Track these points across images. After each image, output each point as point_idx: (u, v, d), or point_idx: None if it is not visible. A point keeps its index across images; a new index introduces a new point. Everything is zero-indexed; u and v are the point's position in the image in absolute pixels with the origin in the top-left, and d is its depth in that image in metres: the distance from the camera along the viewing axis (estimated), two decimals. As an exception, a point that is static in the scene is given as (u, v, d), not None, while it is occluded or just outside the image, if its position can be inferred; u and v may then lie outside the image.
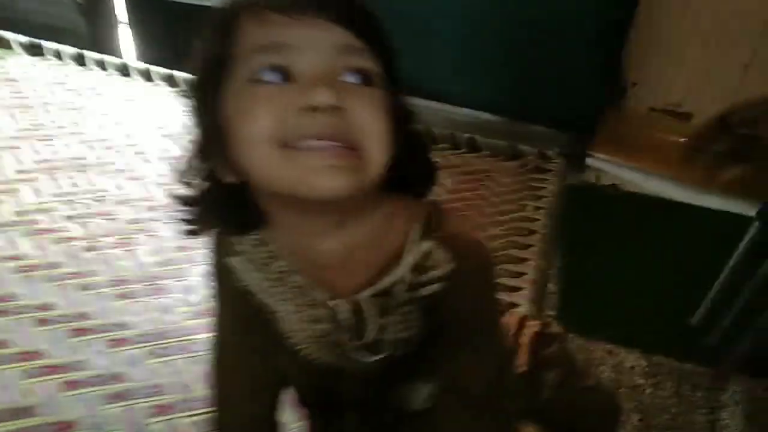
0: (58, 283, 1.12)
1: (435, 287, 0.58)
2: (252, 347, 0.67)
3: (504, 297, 1.16)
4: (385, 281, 0.58)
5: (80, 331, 1.04)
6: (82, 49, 1.86)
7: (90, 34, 2.48)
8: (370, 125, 0.51)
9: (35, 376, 0.96)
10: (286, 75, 0.50)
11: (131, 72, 1.68)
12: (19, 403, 0.92)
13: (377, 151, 0.51)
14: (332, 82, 0.49)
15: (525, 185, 1.42)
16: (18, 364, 0.97)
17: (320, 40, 0.50)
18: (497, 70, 2.02)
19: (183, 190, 0.58)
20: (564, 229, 1.47)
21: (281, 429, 0.71)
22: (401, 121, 0.56)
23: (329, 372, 0.63)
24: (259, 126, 0.49)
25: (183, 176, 0.57)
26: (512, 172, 1.47)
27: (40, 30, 2.47)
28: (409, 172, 0.59)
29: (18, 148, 1.43)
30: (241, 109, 0.51)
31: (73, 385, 0.95)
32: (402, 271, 0.57)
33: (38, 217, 1.27)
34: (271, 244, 0.59)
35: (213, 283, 0.66)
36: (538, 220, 1.38)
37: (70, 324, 1.05)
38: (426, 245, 0.58)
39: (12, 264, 1.16)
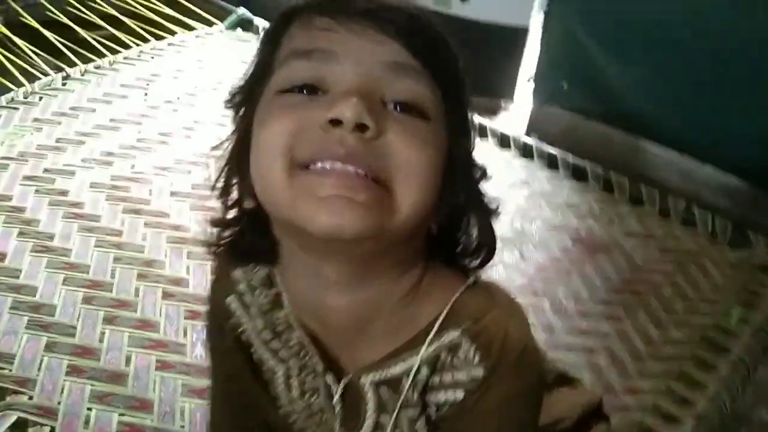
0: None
1: (451, 395, 0.48)
2: (241, 400, 0.59)
3: (651, 425, 0.89)
4: (394, 369, 0.48)
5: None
6: None
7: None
8: (407, 158, 0.41)
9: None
10: (317, 85, 0.43)
11: None
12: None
13: (411, 192, 0.41)
14: (368, 97, 0.41)
15: (740, 285, 1.09)
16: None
17: (365, 51, 0.43)
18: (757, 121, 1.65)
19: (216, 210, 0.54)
20: None
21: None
22: (459, 169, 0.46)
23: None
24: (272, 139, 0.43)
25: (217, 195, 0.53)
26: (729, 264, 1.14)
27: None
28: (458, 238, 0.49)
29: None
30: (261, 119, 0.45)
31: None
32: (415, 362, 0.47)
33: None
34: (277, 287, 0.52)
35: (207, 323, 0.59)
36: (740, 336, 1.04)
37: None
38: (452, 336, 0.47)
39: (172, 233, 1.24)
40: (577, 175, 1.43)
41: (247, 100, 0.49)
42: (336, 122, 0.40)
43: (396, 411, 0.48)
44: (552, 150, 1.46)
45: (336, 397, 0.50)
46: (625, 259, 1.16)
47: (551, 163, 1.45)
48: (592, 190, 1.30)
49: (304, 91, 0.43)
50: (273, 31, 0.48)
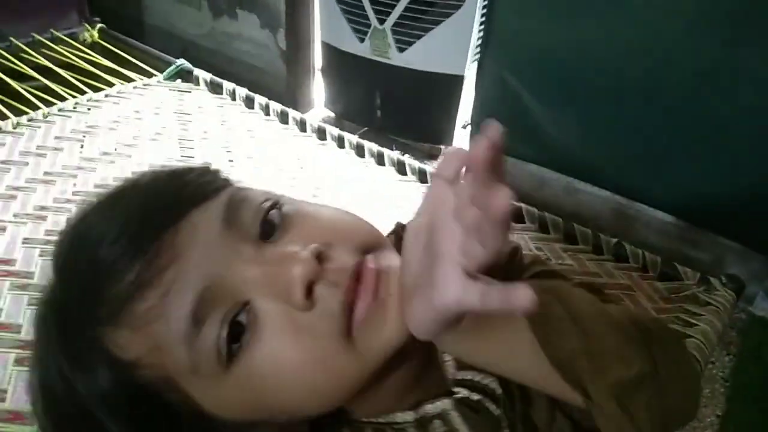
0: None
1: None
2: None
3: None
4: None
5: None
6: (279, 93, 1.97)
7: (288, 80, 2.66)
8: None
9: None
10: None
11: (307, 126, 1.72)
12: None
13: None
14: None
15: (673, 316, 1.14)
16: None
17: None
18: (686, 160, 1.76)
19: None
20: (739, 379, 1.17)
21: None
22: None
23: None
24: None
25: None
26: (659, 297, 1.19)
27: (247, 71, 2.71)
28: None
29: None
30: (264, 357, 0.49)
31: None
32: None
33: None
34: None
35: None
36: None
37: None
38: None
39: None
40: (514, 215, 1.48)
41: None
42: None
43: None
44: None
45: None
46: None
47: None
48: (528, 230, 1.35)
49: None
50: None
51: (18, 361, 1.01)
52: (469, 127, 2.30)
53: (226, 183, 0.53)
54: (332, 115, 2.58)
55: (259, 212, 0.47)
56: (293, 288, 0.42)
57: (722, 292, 1.16)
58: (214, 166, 0.54)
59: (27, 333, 1.08)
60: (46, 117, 1.72)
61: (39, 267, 1.23)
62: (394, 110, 2.42)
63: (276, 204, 0.49)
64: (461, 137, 2.35)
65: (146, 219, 0.44)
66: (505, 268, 0.65)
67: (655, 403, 0.45)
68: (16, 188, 1.45)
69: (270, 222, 0.47)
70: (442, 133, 2.39)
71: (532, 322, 0.44)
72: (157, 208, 0.45)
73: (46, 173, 1.52)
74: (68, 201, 1.43)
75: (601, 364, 0.44)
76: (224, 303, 0.43)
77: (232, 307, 0.43)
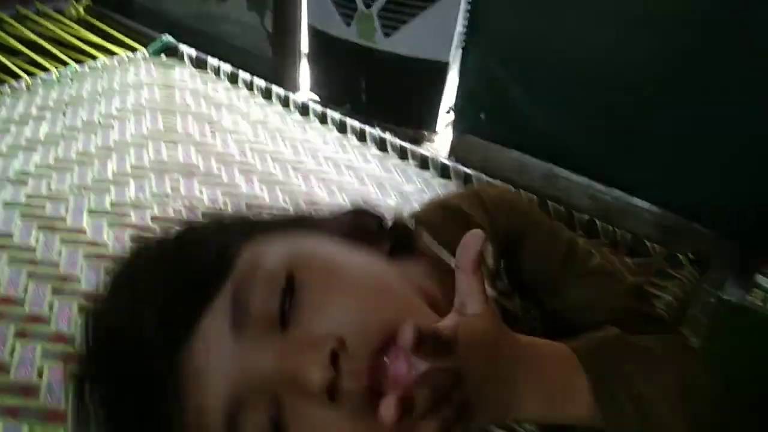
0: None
1: None
2: None
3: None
4: None
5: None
6: (265, 76, 1.98)
7: (274, 63, 2.67)
8: None
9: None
10: None
11: (290, 103, 1.73)
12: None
13: None
14: None
15: (642, 287, 1.17)
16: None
17: None
18: (664, 148, 1.79)
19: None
20: (705, 351, 1.20)
21: None
22: None
23: None
24: None
25: None
26: (627, 270, 1.22)
27: (233, 53, 2.71)
28: None
29: (144, 147, 1.54)
30: None
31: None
32: None
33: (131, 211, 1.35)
34: None
35: None
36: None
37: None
38: None
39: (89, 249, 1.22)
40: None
41: None
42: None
43: None
44: (469, 171, 1.54)
45: None
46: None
47: (467, 183, 1.52)
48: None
49: None
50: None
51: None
52: (452, 113, 2.33)
53: (233, 249, 0.48)
54: (317, 98, 2.59)
55: (273, 296, 0.44)
56: (317, 392, 0.40)
57: (688, 268, 1.19)
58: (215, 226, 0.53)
59: (6, 289, 1.09)
60: (29, 88, 1.73)
61: (18, 227, 1.24)
62: (378, 95, 2.44)
63: (291, 278, 0.44)
64: (445, 122, 2.37)
65: (162, 342, 0.44)
66: None
67: None
68: (-2, 154, 1.46)
69: (284, 306, 0.44)
70: (426, 118, 2.41)
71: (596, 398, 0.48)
72: (168, 327, 0.44)
73: (27, 140, 1.53)
74: (48, 167, 1.44)
75: None
76: (255, 408, 0.42)
77: (263, 409, 0.42)
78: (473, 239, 0.43)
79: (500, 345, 0.44)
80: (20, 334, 1.01)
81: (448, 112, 2.38)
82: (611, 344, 0.54)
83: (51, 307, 1.07)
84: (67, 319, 1.04)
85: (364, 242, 0.52)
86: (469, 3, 2.13)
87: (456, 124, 2.26)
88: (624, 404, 0.50)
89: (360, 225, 0.56)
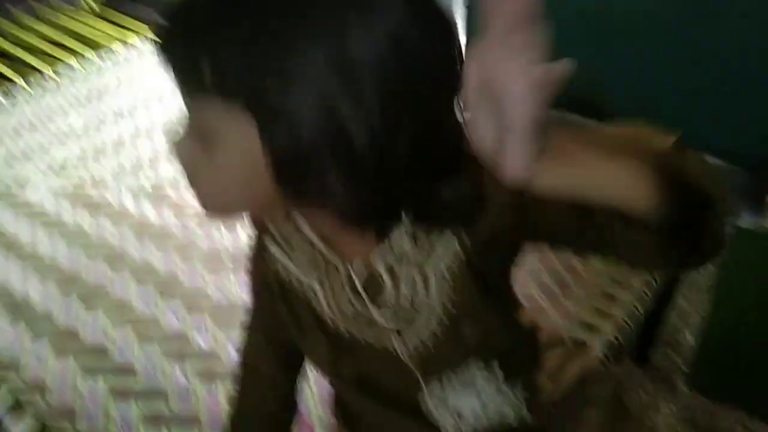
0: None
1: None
2: (277, 332, 0.69)
3: (586, 316, 1.03)
4: (394, 243, 0.55)
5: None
6: None
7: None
8: None
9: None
10: None
11: None
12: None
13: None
14: None
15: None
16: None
17: None
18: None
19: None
20: (722, 277, 1.26)
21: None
22: None
23: (370, 357, 0.63)
24: None
25: None
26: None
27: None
28: None
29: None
30: None
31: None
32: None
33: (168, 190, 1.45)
34: (298, 225, 0.60)
35: (250, 272, 0.68)
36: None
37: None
38: None
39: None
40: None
41: None
42: None
43: (403, 265, 0.56)
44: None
45: (360, 276, 0.58)
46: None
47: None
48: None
49: None
50: None
51: (61, 290, 1.14)
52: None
53: None
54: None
55: None
56: None
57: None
58: None
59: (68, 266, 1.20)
60: (54, 79, 1.82)
61: (68, 212, 1.36)
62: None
63: None
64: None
65: None
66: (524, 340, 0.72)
67: None
68: (33, 149, 1.57)
69: None
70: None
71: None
72: None
73: (55, 133, 1.62)
74: (80, 158, 1.54)
75: None
76: None
77: None
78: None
79: None
80: (84, 301, 1.12)
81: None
82: None
83: (111, 281, 1.18)
84: (123, 287, 1.16)
85: None
86: None
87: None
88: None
89: None
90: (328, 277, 0.60)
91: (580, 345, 0.82)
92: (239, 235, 1.31)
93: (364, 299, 0.59)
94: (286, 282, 0.63)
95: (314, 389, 0.96)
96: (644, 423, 0.75)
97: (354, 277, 0.58)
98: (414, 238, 0.55)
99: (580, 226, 0.50)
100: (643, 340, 1.51)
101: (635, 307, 1.13)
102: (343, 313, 0.61)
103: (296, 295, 0.63)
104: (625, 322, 1.11)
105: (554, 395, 0.73)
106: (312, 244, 0.59)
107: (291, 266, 0.61)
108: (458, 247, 0.55)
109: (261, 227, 0.64)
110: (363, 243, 0.57)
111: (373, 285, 0.59)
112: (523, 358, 0.73)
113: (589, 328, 1.08)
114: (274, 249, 0.62)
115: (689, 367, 1.40)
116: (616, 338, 1.08)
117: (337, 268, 0.59)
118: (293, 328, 0.65)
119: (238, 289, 1.16)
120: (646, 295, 1.16)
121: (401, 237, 0.55)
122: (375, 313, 0.60)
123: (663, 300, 1.46)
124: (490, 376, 0.66)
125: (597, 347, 1.02)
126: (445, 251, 0.56)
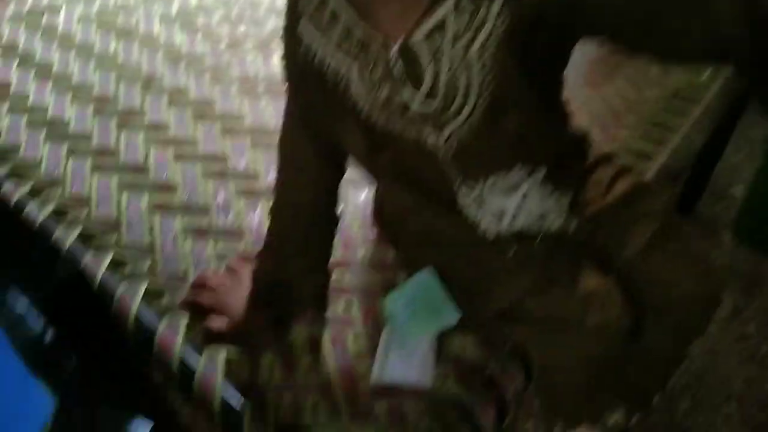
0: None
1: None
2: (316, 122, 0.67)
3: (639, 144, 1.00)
4: (438, 13, 0.52)
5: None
6: None
7: None
8: None
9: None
10: None
11: None
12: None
13: None
14: None
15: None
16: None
17: None
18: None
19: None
20: (754, 196, 1.20)
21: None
22: None
23: (404, 150, 0.61)
24: None
25: None
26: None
27: None
28: None
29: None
30: None
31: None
32: None
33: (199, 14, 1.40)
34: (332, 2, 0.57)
35: (284, 57, 0.65)
36: (710, 87, 1.14)
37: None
38: None
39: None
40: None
41: None
42: None
43: (448, 47, 0.53)
44: None
45: (393, 58, 0.55)
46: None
47: None
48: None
49: None
50: None
51: (97, 112, 1.12)
52: None
53: None
54: None
55: None
56: None
57: None
58: None
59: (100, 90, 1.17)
60: None
61: (98, 36, 1.30)
62: None
63: None
64: None
65: None
66: (572, 151, 0.70)
67: None
68: None
69: None
70: None
71: None
72: None
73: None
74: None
75: None
76: None
77: None
78: None
79: None
80: (119, 121, 1.11)
81: None
82: None
83: (143, 102, 1.16)
84: (157, 110, 1.14)
85: None
86: None
87: None
88: None
89: None
90: (362, 58, 0.57)
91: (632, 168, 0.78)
92: (272, 61, 1.27)
93: (397, 82, 0.56)
94: (317, 64, 0.60)
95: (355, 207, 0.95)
96: (691, 247, 0.72)
97: (390, 54, 0.55)
98: (458, 9, 0.51)
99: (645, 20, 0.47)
100: (690, 189, 1.47)
101: (690, 139, 1.06)
102: (376, 100, 0.58)
103: (328, 78, 0.60)
104: (679, 152, 1.06)
105: (602, 209, 0.71)
106: (347, 22, 0.56)
107: (324, 47, 0.58)
108: (503, 19, 0.51)
109: (294, 6, 0.60)
110: (403, 17, 0.53)
111: (409, 65, 0.55)
112: (570, 168, 0.70)
113: (643, 155, 1.03)
114: (306, 29, 0.58)
115: (736, 219, 1.36)
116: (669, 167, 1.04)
117: (370, 47, 0.56)
118: (326, 114, 0.63)
119: (272, 113, 1.13)
120: (703, 127, 1.10)
121: (445, 9, 0.51)
122: (407, 94, 0.56)
123: (714, 150, 1.40)
124: (535, 184, 0.63)
125: (649, 172, 0.98)
126: (489, 24, 0.51)
